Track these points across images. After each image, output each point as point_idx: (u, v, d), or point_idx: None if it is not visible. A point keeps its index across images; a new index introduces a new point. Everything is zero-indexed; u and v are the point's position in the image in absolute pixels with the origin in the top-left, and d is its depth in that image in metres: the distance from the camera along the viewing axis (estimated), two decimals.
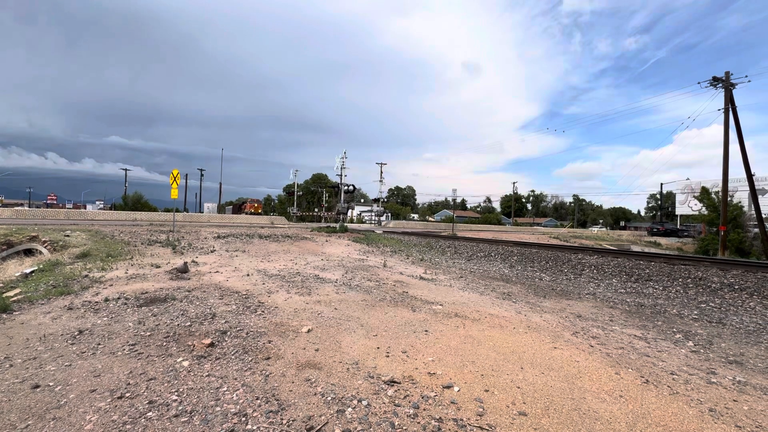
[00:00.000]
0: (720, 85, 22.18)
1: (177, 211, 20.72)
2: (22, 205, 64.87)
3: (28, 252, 11.57)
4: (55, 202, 68.74)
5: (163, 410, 2.68)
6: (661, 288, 9.06)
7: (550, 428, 2.62)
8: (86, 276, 7.48)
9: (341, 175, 24.44)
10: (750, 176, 21.92)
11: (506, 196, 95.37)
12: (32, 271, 8.33)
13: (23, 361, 3.46)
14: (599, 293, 8.49)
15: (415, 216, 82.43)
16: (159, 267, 8.71)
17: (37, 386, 2.99)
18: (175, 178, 15.70)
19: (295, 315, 5.23)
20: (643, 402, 3.05)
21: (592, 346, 4.43)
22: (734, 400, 3.19)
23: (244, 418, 2.60)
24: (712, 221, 30.61)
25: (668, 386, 3.40)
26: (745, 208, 32.06)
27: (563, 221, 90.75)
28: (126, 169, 59.61)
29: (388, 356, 3.82)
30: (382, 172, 47.57)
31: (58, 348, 3.80)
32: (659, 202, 67.97)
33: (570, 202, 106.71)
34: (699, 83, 22.89)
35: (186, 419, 2.57)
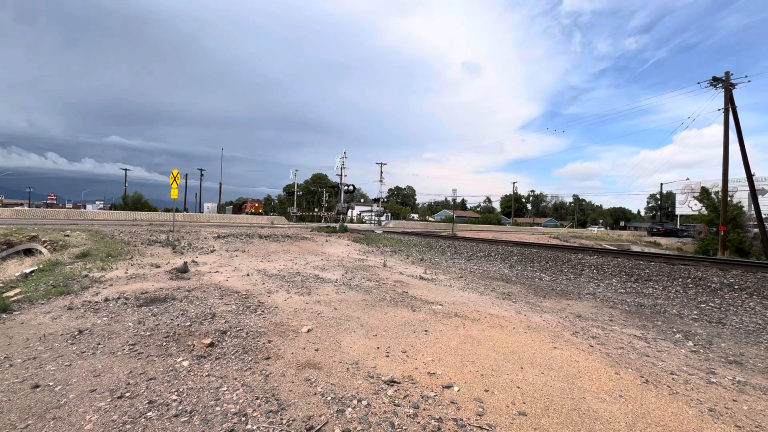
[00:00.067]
0: (720, 85, 22.19)
1: (177, 211, 20.73)
2: (21, 204, 64.86)
3: (28, 252, 11.57)
4: (54, 202, 68.73)
5: (163, 410, 2.68)
6: (660, 288, 9.07)
7: (550, 428, 2.62)
8: (86, 276, 7.48)
9: (341, 175, 24.45)
10: (750, 176, 21.93)
11: (506, 196, 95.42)
12: (32, 271, 8.33)
13: (23, 361, 3.46)
14: (599, 293, 8.50)
15: (415, 216, 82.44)
16: (159, 267, 8.71)
17: (37, 386, 2.99)
18: (175, 178, 15.70)
19: (295, 315, 5.23)
20: (643, 402, 3.05)
21: (591, 346, 4.43)
22: (734, 400, 3.19)
23: (244, 418, 2.60)
24: (712, 221, 30.62)
25: (668, 386, 3.40)
26: (745, 208, 32.08)
27: (563, 221, 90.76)
28: (126, 169, 59.66)
29: (387, 356, 3.82)
30: (382, 172, 47.58)
31: (58, 348, 3.80)
32: (659, 202, 67.98)
33: (570, 202, 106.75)
34: (699, 83, 22.91)
35: (186, 419, 2.58)
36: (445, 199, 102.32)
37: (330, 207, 46.09)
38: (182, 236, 14.65)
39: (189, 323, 4.65)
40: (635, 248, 28.66)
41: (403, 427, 2.56)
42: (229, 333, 4.34)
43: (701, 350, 4.66)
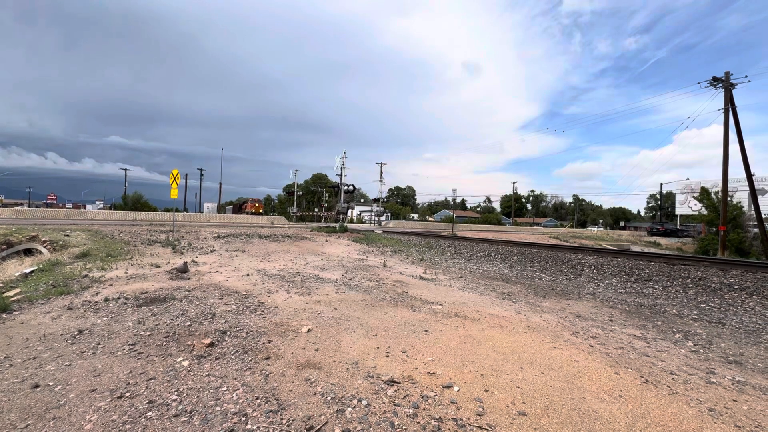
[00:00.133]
0: (720, 85, 22.20)
1: (177, 210, 20.73)
2: (21, 204, 64.83)
3: (28, 252, 11.57)
4: (54, 201, 68.71)
5: (163, 410, 2.68)
6: (660, 288, 9.07)
7: (550, 428, 2.62)
8: (86, 276, 7.48)
9: (341, 175, 24.45)
10: (750, 176, 21.94)
11: (506, 196, 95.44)
12: (32, 271, 8.33)
13: (23, 361, 3.46)
14: (599, 293, 8.50)
15: (415, 216, 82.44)
16: (159, 267, 8.71)
17: (37, 386, 2.99)
18: (174, 178, 15.70)
19: (295, 315, 5.23)
20: (643, 402, 3.05)
21: (591, 346, 4.43)
22: (734, 400, 3.20)
23: (243, 418, 2.60)
24: (711, 221, 30.64)
25: (668, 386, 3.40)
26: (745, 208, 32.08)
27: (563, 221, 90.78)
28: (126, 169, 59.67)
29: (387, 356, 3.82)
30: (382, 172, 47.59)
31: (57, 348, 3.80)
32: (659, 202, 67.98)
33: (570, 202, 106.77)
34: (699, 83, 22.92)
35: (186, 419, 2.58)
36: (445, 199, 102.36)
37: (330, 207, 46.10)
38: (182, 236, 14.65)
39: (189, 323, 4.65)
40: (635, 248, 28.67)
41: (403, 427, 2.56)
42: (229, 333, 4.34)
43: (701, 350, 4.66)
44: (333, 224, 26.62)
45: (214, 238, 14.85)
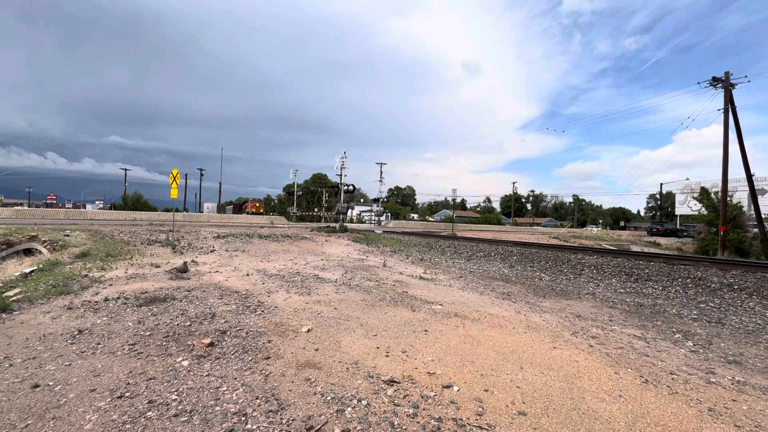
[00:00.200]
0: (720, 85, 22.20)
1: (177, 210, 20.72)
2: (21, 204, 64.80)
3: (28, 252, 11.57)
4: (54, 201, 68.68)
5: (163, 410, 2.68)
6: (660, 288, 9.07)
7: (550, 428, 2.62)
8: (86, 276, 7.47)
9: (341, 175, 24.44)
10: (749, 176, 21.95)
11: (506, 196, 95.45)
12: (32, 271, 8.33)
13: (23, 361, 3.46)
14: (599, 293, 8.50)
15: (415, 216, 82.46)
16: (159, 267, 8.71)
17: (37, 386, 2.99)
18: (174, 178, 15.69)
19: (295, 315, 5.23)
20: (643, 402, 3.05)
21: (591, 346, 4.43)
22: (733, 400, 3.20)
23: (243, 418, 2.60)
24: (711, 221, 30.65)
25: (667, 386, 3.40)
26: (745, 208, 32.09)
27: (563, 221, 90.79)
28: (126, 169, 59.68)
29: (387, 356, 3.82)
30: (381, 172, 47.60)
31: (57, 347, 3.80)
32: (659, 203, 67.99)
33: (570, 202, 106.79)
34: (699, 83, 22.93)
35: (186, 419, 2.58)
36: (445, 199, 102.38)
37: (330, 207, 46.10)
38: (182, 236, 14.65)
39: (189, 323, 4.65)
40: (635, 248, 28.67)
41: (403, 427, 2.56)
42: (228, 333, 4.34)
43: (701, 350, 4.66)
44: (333, 224, 26.62)
45: (214, 238, 14.85)
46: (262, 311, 5.33)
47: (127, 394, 2.87)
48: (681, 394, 3.24)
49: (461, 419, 2.69)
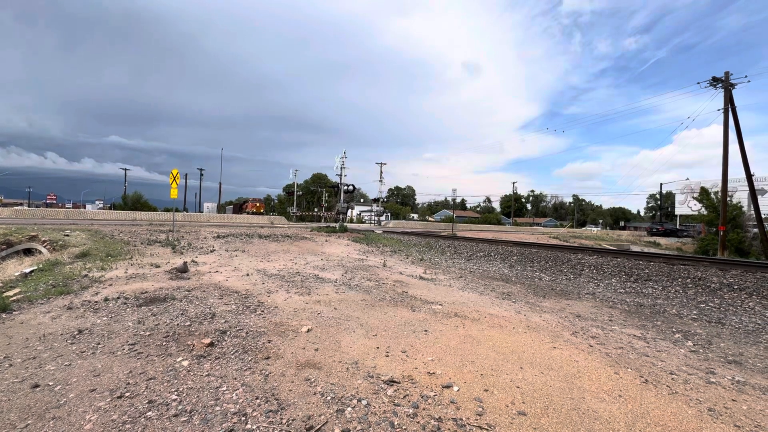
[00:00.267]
0: (720, 85, 22.21)
1: (177, 210, 20.72)
2: (21, 204, 64.79)
3: (28, 251, 11.57)
4: (54, 201, 68.66)
5: (163, 410, 2.68)
6: (660, 288, 9.07)
7: (550, 428, 2.62)
8: (86, 276, 7.47)
9: (341, 175, 24.44)
10: (749, 176, 21.95)
11: (506, 196, 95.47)
12: (32, 271, 8.33)
13: (23, 361, 3.46)
14: (599, 293, 8.50)
15: (415, 216, 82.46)
16: (158, 267, 8.71)
17: (37, 386, 2.99)
18: (174, 178, 15.69)
19: (295, 315, 5.23)
20: (642, 402, 3.05)
21: (591, 346, 4.43)
22: (733, 400, 3.20)
23: (243, 418, 2.60)
24: (711, 221, 30.65)
25: (667, 386, 3.40)
26: (745, 208, 32.09)
27: (563, 221, 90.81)
28: (126, 169, 59.69)
29: (387, 356, 3.82)
30: (381, 172, 47.62)
31: (57, 347, 3.80)
32: (659, 203, 68.00)
33: (570, 202, 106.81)
34: (699, 83, 22.95)
35: (186, 419, 2.58)
36: (445, 199, 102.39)
37: (330, 207, 46.10)
38: (182, 236, 14.64)
39: (189, 323, 4.65)
40: (635, 248, 28.68)
41: (403, 427, 2.57)
42: (228, 333, 4.34)
43: (701, 350, 4.66)
44: (333, 224, 26.61)
45: (214, 237, 14.85)
46: (262, 311, 5.33)
47: (127, 394, 2.87)
48: (681, 394, 3.24)
49: (461, 419, 2.70)
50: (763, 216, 22.96)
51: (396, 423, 2.60)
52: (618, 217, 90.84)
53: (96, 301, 5.56)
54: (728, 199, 24.93)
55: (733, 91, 21.80)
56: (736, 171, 23.95)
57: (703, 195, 31.69)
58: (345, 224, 24.91)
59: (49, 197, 70.50)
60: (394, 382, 3.23)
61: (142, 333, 4.25)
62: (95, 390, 2.93)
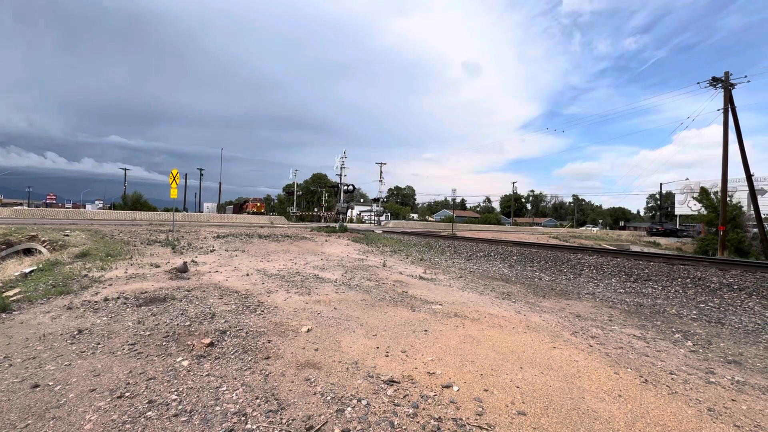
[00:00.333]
0: (719, 85, 22.22)
1: (176, 210, 20.72)
2: (21, 204, 64.79)
3: (28, 251, 11.57)
4: (54, 201, 68.63)
5: (163, 410, 2.68)
6: (660, 288, 9.07)
7: (550, 428, 2.62)
8: (86, 275, 7.47)
9: (341, 175, 24.43)
10: (749, 176, 21.97)
11: (506, 196, 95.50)
12: (31, 271, 8.33)
13: (23, 361, 3.46)
14: (598, 293, 8.50)
15: (415, 216, 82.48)
16: (158, 267, 8.71)
17: (37, 386, 2.99)
18: (174, 178, 15.68)
19: (295, 315, 5.23)
20: (642, 401, 3.06)
21: (591, 346, 4.44)
22: (733, 400, 3.20)
23: (243, 418, 2.60)
24: (711, 221, 30.67)
25: (667, 386, 3.40)
26: (745, 208, 32.11)
27: (563, 221, 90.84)
28: (125, 169, 59.71)
29: (387, 356, 3.83)
30: (381, 172, 47.64)
31: (57, 347, 3.80)
32: (658, 203, 68.03)
33: (569, 202, 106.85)
34: (698, 83, 22.97)
35: (186, 419, 2.58)
36: (445, 199, 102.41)
37: (330, 207, 46.10)
38: (182, 236, 14.64)
39: (188, 323, 4.65)
40: (635, 248, 28.70)
41: (403, 427, 2.57)
42: (228, 333, 4.34)
43: (700, 350, 4.66)
44: (333, 224, 26.61)
45: (214, 237, 14.85)
46: (262, 311, 5.33)
47: (127, 394, 2.87)
48: (680, 394, 3.24)
49: (461, 419, 2.70)
50: (762, 216, 22.98)
51: (396, 423, 2.61)
52: (618, 217, 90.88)
53: (96, 301, 5.56)
54: (728, 199, 24.94)
55: (733, 91, 21.82)
56: (736, 171, 23.99)
57: (703, 195, 31.71)
58: (345, 224, 24.91)
59: (48, 197, 70.47)
60: (394, 382, 3.23)
61: (142, 333, 4.25)
62: (95, 390, 2.94)
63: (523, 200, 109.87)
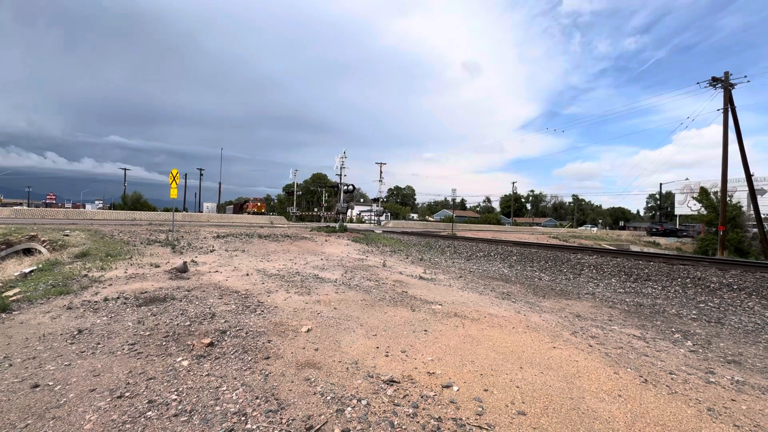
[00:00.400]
0: (719, 85, 22.23)
1: (176, 210, 20.72)
2: (21, 204, 64.77)
3: (27, 251, 11.56)
4: (54, 201, 68.60)
5: (163, 410, 2.68)
6: (660, 288, 9.08)
7: (549, 427, 2.62)
8: (85, 275, 7.47)
9: (341, 175, 24.42)
10: (749, 176, 21.97)
11: (506, 196, 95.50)
12: (31, 271, 8.33)
13: (23, 361, 3.46)
14: (598, 293, 8.51)
15: (415, 216, 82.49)
16: (158, 266, 8.71)
17: (37, 386, 2.99)
18: (174, 178, 15.67)
19: (295, 314, 5.23)
20: (642, 401, 3.06)
21: (591, 346, 4.44)
22: (732, 400, 3.20)
23: (243, 418, 2.60)
24: (711, 221, 30.68)
25: (667, 386, 3.40)
26: (744, 208, 32.13)
27: (563, 221, 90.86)
28: (125, 169, 59.70)
29: (387, 356, 3.83)
30: (381, 172, 47.66)
31: (57, 347, 3.80)
32: (658, 203, 68.06)
33: (569, 202, 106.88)
34: (698, 83, 22.97)
35: (185, 418, 2.58)
36: (445, 198, 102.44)
37: (329, 207, 46.09)
38: (182, 236, 14.64)
39: (188, 323, 4.65)
40: (634, 248, 28.71)
41: (403, 427, 2.57)
42: (228, 333, 4.34)
43: (700, 350, 4.66)
44: (333, 224, 26.61)
45: (214, 237, 14.85)
46: (262, 311, 5.33)
47: (126, 394, 2.87)
48: (680, 394, 3.24)
49: (461, 419, 2.70)
50: (762, 216, 22.99)
51: (396, 423, 2.61)
52: (618, 217, 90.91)
53: (96, 301, 5.56)
54: (728, 199, 24.96)
55: (733, 91, 21.83)
56: (736, 171, 24.01)
57: (703, 195, 31.71)
58: (345, 224, 24.91)
59: (48, 197, 70.43)
60: (394, 381, 3.23)
61: (141, 333, 4.25)
62: (95, 390, 2.94)
63: (523, 200, 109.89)
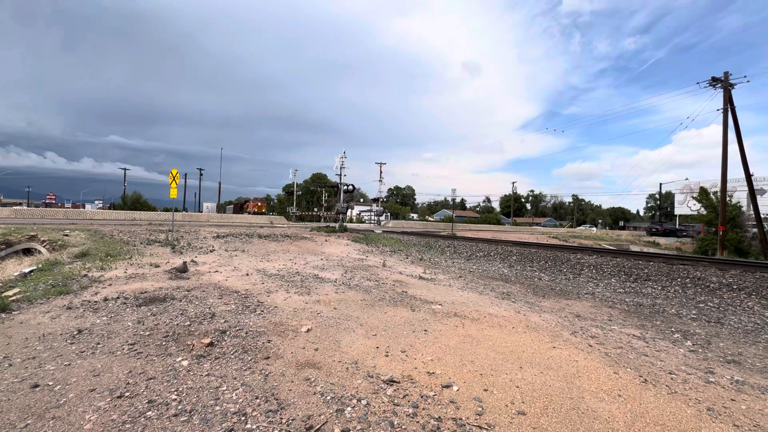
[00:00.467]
0: (719, 85, 22.23)
1: (176, 210, 20.71)
2: (20, 204, 64.75)
3: (27, 251, 11.56)
4: (53, 201, 68.56)
5: (163, 409, 2.68)
6: (659, 288, 9.08)
7: (549, 427, 2.62)
8: (85, 275, 7.47)
9: (341, 175, 24.42)
10: (749, 176, 21.98)
11: (505, 195, 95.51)
12: (31, 271, 8.33)
13: (22, 361, 3.46)
14: (598, 293, 8.51)
15: (415, 216, 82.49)
16: (158, 266, 8.71)
17: (37, 386, 2.99)
18: (174, 178, 15.67)
19: (295, 314, 5.23)
20: (642, 401, 3.06)
21: (590, 346, 4.44)
22: (732, 400, 3.20)
23: (243, 418, 2.60)
24: (710, 221, 30.70)
25: (666, 386, 3.41)
26: (744, 208, 32.15)
27: (562, 221, 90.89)
28: (125, 169, 59.78)
29: (387, 356, 3.83)
30: (381, 172, 47.67)
31: (57, 347, 3.80)
32: (658, 202, 68.09)
33: (569, 202, 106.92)
34: (698, 83, 22.98)
35: (185, 418, 2.58)
36: (445, 198, 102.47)
37: (329, 207, 46.09)
38: (181, 236, 14.64)
39: (188, 323, 4.65)
40: (634, 248, 28.72)
41: (403, 427, 2.57)
42: (228, 332, 4.34)
43: (700, 350, 4.67)
44: (332, 224, 26.61)
45: (214, 237, 14.84)
46: (262, 311, 5.33)
47: (126, 394, 2.87)
48: (680, 394, 3.25)
49: (461, 419, 2.70)
50: (762, 216, 23.00)
51: (396, 423, 2.61)
52: (617, 217, 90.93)
53: (95, 301, 5.56)
54: (727, 199, 24.97)
55: (733, 91, 21.84)
56: (736, 171, 24.10)
57: (703, 195, 31.73)
58: (345, 224, 24.91)
59: (48, 197, 70.39)
60: (394, 381, 3.23)
61: (141, 333, 4.25)
62: (95, 390, 2.94)
63: (523, 200, 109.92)
